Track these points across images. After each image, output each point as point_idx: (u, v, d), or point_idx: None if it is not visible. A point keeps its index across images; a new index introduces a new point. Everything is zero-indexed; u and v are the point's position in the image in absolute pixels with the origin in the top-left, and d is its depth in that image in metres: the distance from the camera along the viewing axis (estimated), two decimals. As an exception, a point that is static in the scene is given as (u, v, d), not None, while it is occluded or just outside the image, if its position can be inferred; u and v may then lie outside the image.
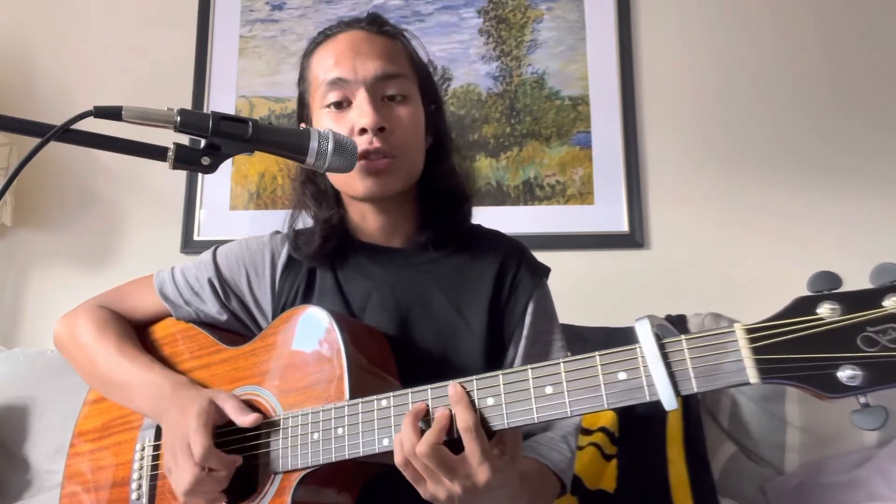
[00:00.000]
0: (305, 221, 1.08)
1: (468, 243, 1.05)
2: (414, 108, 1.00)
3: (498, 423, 0.72)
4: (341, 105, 0.97)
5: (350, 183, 0.98)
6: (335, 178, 1.01)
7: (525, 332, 1.00)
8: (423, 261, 1.03)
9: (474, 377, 0.74)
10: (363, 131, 0.94)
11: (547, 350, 1.01)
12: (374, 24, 1.02)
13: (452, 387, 0.74)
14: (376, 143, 0.94)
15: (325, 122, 0.98)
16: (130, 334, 1.08)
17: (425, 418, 0.75)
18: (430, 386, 0.76)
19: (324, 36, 1.03)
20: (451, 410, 0.73)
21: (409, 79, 1.00)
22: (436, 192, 1.04)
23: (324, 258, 1.04)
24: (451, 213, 1.04)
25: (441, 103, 1.09)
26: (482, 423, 0.72)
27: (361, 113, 0.95)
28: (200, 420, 0.87)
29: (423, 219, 1.04)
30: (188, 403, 0.90)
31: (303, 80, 1.05)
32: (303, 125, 1.05)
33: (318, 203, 1.05)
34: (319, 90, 0.99)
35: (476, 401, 0.73)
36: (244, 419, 0.88)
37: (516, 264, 1.04)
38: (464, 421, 0.72)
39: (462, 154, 1.09)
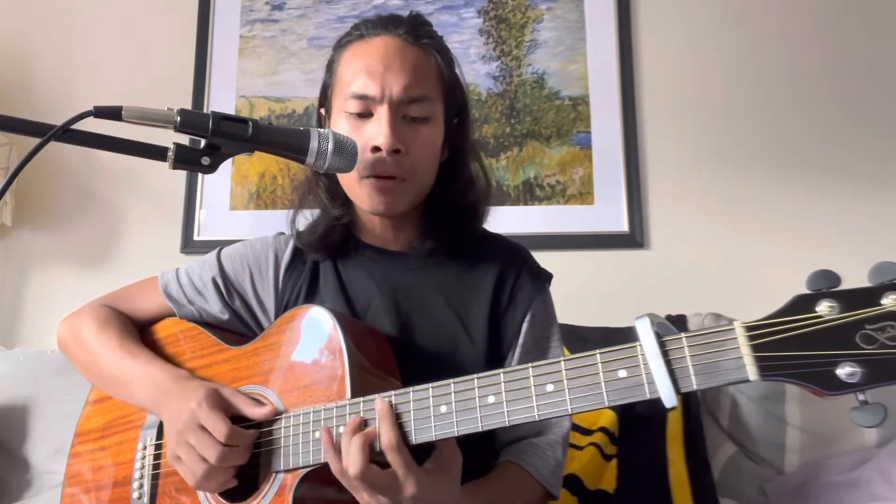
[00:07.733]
0: (309, 220, 1.08)
1: (470, 248, 1.05)
2: (434, 130, 0.99)
3: (499, 420, 0.72)
4: (362, 115, 0.96)
5: (358, 196, 0.99)
6: (345, 187, 1.01)
7: (521, 339, 1.01)
8: (424, 265, 1.04)
9: (475, 375, 0.74)
10: (377, 149, 0.94)
11: (542, 358, 1.00)
12: (412, 33, 0.98)
13: (380, 401, 0.77)
14: (389, 164, 0.94)
15: (342, 126, 0.98)
16: (132, 331, 1.08)
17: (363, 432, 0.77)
18: (430, 385, 0.77)
19: (359, 34, 1.00)
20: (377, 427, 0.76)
21: (434, 100, 0.98)
22: (444, 206, 1.04)
23: (326, 250, 1.05)
24: (456, 228, 1.04)
25: (466, 115, 1.07)
26: (483, 421, 0.73)
27: (379, 131, 0.94)
28: (209, 403, 0.87)
29: (427, 227, 1.05)
30: (191, 393, 0.90)
31: (330, 72, 1.03)
32: (322, 110, 1.06)
33: (332, 198, 1.05)
34: (344, 94, 0.97)
35: (477, 398, 0.73)
36: (256, 412, 0.88)
37: (517, 270, 1.04)
38: (387, 439, 0.75)
39: (483, 166, 1.08)
